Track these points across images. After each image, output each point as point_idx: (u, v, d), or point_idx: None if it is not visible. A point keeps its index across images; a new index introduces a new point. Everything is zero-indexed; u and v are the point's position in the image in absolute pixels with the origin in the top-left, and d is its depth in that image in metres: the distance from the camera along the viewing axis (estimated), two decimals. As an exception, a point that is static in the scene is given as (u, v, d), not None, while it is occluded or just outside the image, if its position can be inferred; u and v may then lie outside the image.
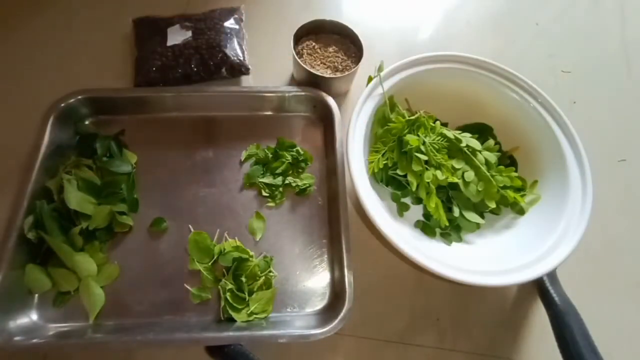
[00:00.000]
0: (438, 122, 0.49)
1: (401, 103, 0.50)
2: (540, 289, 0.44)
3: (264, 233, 0.49)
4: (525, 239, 0.44)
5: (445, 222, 0.44)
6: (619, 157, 0.59)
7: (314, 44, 0.58)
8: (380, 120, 0.48)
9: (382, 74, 0.47)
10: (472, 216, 0.46)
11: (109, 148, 0.50)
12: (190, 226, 0.48)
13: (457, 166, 0.45)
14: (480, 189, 0.45)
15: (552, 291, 0.43)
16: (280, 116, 0.57)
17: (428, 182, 0.44)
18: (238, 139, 0.54)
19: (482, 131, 0.51)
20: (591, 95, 0.64)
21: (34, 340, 0.39)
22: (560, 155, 0.45)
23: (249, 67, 0.58)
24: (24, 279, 0.42)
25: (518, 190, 0.47)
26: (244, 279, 0.44)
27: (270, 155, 0.53)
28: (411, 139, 0.45)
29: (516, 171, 0.50)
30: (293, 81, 0.60)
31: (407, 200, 0.49)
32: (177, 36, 0.57)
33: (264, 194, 0.50)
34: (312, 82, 0.55)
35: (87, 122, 0.54)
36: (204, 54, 0.56)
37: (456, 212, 0.46)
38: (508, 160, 0.51)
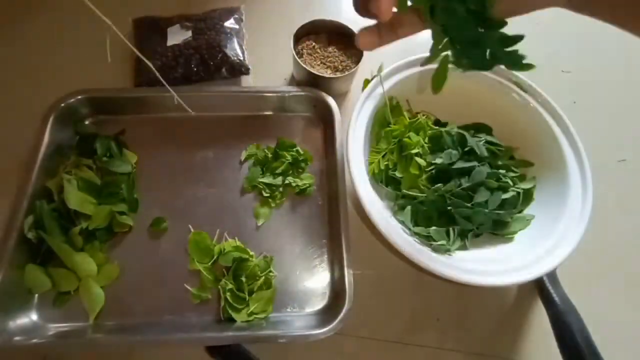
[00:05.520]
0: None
1: (401, 103, 0.50)
2: (540, 289, 0.44)
3: (266, 222, 0.49)
4: (526, 238, 0.44)
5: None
6: (619, 157, 0.59)
7: (314, 44, 0.58)
8: (381, 120, 0.48)
9: (382, 74, 0.47)
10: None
11: (109, 148, 0.50)
12: (190, 226, 0.48)
13: None
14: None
15: (552, 291, 0.43)
16: (280, 116, 0.57)
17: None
18: (238, 139, 0.54)
19: (482, 131, 0.51)
20: (591, 95, 0.63)
21: (34, 340, 0.39)
22: (560, 155, 0.45)
23: (249, 67, 0.58)
24: (24, 279, 0.42)
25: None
26: (244, 279, 0.44)
27: (270, 155, 0.53)
28: (410, 142, 0.45)
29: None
30: (293, 81, 0.60)
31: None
32: (177, 36, 0.57)
33: (265, 194, 0.50)
34: (312, 82, 0.55)
35: (87, 122, 0.53)
36: (204, 54, 0.56)
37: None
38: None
